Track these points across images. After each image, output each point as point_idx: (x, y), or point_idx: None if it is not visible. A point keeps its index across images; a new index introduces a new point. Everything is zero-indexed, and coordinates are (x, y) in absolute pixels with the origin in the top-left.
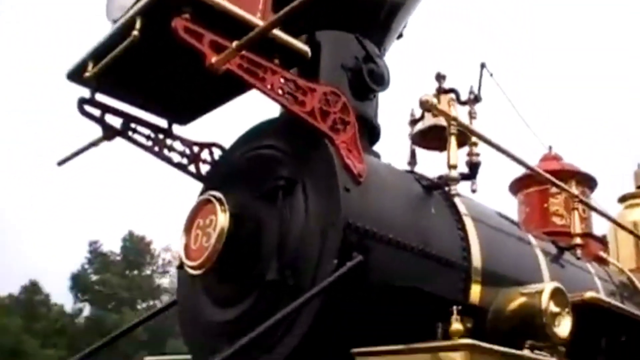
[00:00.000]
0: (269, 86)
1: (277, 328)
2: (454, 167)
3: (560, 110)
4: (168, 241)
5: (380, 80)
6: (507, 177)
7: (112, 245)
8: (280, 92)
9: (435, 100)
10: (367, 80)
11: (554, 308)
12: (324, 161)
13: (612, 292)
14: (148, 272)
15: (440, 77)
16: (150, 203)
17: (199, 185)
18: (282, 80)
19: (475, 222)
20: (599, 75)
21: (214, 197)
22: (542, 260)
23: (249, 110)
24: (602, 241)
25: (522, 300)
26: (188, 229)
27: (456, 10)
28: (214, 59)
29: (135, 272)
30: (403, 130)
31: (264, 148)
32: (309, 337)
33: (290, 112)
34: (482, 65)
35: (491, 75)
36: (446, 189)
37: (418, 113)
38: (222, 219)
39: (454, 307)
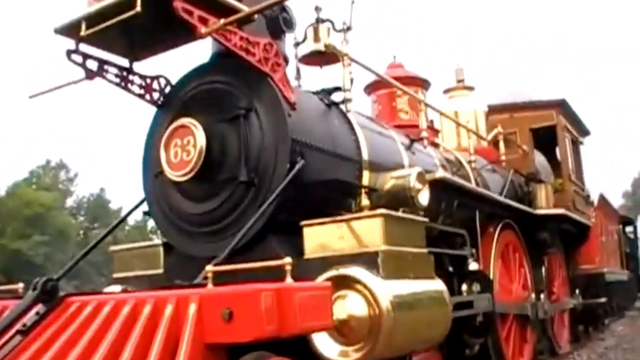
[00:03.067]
0: (233, 44)
1: (245, 217)
2: (348, 90)
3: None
4: None
5: (291, 25)
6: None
7: None
8: (239, 47)
9: (333, 44)
10: (282, 26)
11: (417, 185)
12: (270, 95)
13: (446, 168)
14: None
15: (318, 9)
16: None
17: None
18: (239, 38)
19: (361, 128)
20: None
21: (190, 123)
22: (402, 150)
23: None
24: (434, 128)
25: (395, 181)
26: (166, 147)
27: None
28: (203, 30)
29: None
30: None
31: (217, 83)
32: (270, 220)
33: (246, 61)
34: (352, 1)
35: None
36: (341, 106)
37: (300, 37)
38: (200, 139)
39: (362, 189)
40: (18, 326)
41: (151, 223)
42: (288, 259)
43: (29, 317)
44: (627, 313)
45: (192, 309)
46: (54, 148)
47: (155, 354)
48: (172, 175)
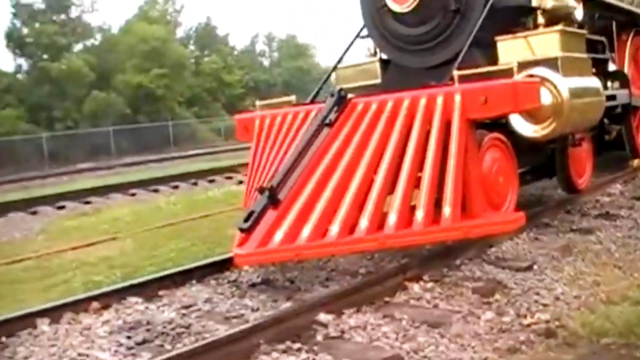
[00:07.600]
0: None
1: (451, 38)
2: None
3: None
4: None
5: None
6: None
7: None
8: None
9: None
10: None
11: (573, 3)
12: None
13: None
14: (77, 13)
15: None
16: None
17: None
18: None
19: None
20: None
21: None
22: None
23: None
24: None
25: (555, 2)
26: None
27: None
28: None
29: (63, 16)
30: None
31: None
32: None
33: None
34: None
35: None
36: None
37: None
38: None
39: (537, 10)
40: (326, 121)
41: (259, 46)
42: (514, 62)
43: (331, 115)
44: None
45: (457, 98)
46: None
47: (437, 126)
48: (396, 7)
